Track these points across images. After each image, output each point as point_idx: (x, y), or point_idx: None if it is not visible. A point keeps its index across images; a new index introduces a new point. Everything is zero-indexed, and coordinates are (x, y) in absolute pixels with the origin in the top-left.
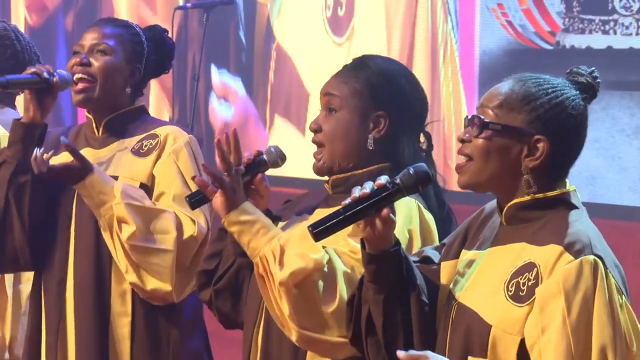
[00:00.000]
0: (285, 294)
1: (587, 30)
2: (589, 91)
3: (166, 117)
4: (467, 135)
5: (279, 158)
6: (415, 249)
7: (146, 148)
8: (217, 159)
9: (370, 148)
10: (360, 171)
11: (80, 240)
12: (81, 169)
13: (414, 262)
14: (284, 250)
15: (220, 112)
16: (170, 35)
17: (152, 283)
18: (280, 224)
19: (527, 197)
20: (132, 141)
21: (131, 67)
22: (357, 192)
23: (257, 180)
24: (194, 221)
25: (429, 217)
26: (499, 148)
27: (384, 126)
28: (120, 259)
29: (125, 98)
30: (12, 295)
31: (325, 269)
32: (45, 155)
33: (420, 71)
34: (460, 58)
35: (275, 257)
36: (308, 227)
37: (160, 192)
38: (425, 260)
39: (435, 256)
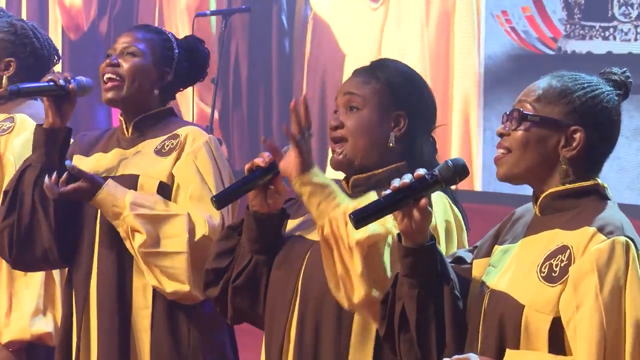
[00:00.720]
0: (360, 254)
1: (587, 36)
2: (622, 88)
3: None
4: (506, 128)
5: None
6: (452, 240)
7: (167, 148)
8: (292, 123)
9: (391, 145)
10: (379, 170)
11: (104, 237)
12: (90, 189)
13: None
14: None
15: None
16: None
17: (170, 286)
18: (292, 221)
19: (562, 187)
20: (156, 141)
21: (160, 71)
22: (397, 182)
23: (278, 179)
24: (206, 221)
25: (457, 211)
26: (537, 139)
27: (404, 125)
28: (141, 266)
29: (153, 100)
30: (60, 280)
31: (390, 240)
32: (54, 179)
33: (461, 42)
34: (465, 64)
35: (348, 221)
36: (349, 214)
37: (178, 191)
38: (458, 260)
39: (467, 257)
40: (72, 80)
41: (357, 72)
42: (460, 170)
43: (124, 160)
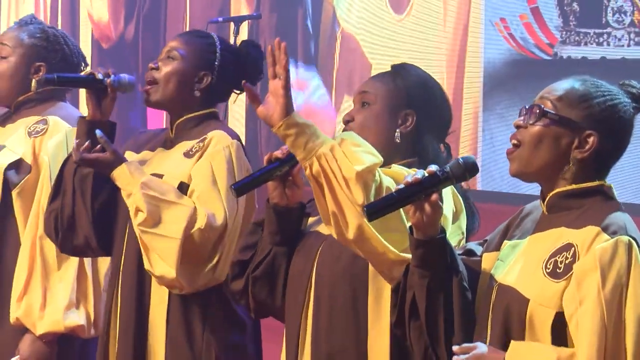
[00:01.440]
0: (362, 185)
1: (582, 42)
2: (639, 101)
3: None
4: (524, 122)
5: None
6: (461, 220)
7: (194, 150)
8: (270, 66)
9: (397, 141)
10: (390, 166)
11: (132, 232)
12: (112, 161)
13: (458, 254)
14: (349, 150)
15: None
16: None
17: (159, 268)
18: (311, 219)
19: (569, 187)
20: (190, 144)
21: (198, 73)
22: (409, 177)
23: (296, 171)
24: (207, 217)
25: (460, 198)
26: (552, 136)
27: (412, 123)
28: (141, 247)
29: (194, 102)
30: (92, 274)
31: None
32: (79, 143)
33: (473, 49)
34: (466, 67)
35: (340, 156)
36: (363, 207)
37: (192, 190)
38: (468, 252)
39: (478, 250)
40: (112, 76)
41: (378, 74)
42: (470, 168)
43: (160, 159)
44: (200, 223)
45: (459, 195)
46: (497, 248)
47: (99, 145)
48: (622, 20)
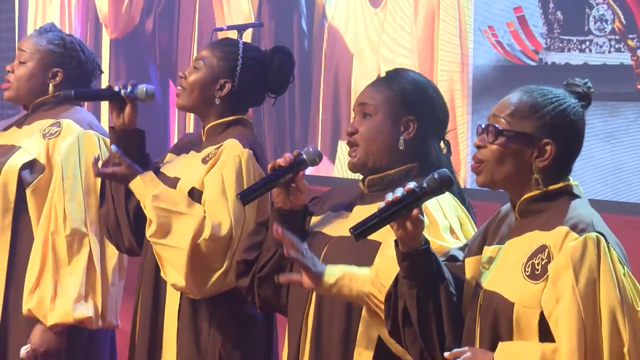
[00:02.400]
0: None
1: (566, 49)
2: (585, 99)
3: None
4: (482, 142)
5: (317, 156)
6: (466, 232)
7: (210, 157)
8: (285, 247)
9: (401, 148)
10: (392, 171)
11: None
12: (127, 174)
13: (442, 260)
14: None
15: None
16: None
17: (171, 277)
18: (315, 218)
19: (536, 191)
20: (209, 150)
21: (219, 81)
22: (390, 196)
23: (299, 177)
24: (212, 227)
25: (464, 208)
26: (513, 152)
27: (413, 129)
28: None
29: (217, 109)
30: (100, 269)
31: None
32: (96, 158)
33: (444, 54)
34: (456, 73)
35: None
36: (350, 229)
37: (204, 199)
38: (451, 258)
39: (459, 255)
40: (130, 87)
41: (374, 82)
42: (445, 181)
43: (185, 163)
44: (205, 233)
45: (459, 201)
46: (479, 252)
47: (98, 157)
48: (604, 28)
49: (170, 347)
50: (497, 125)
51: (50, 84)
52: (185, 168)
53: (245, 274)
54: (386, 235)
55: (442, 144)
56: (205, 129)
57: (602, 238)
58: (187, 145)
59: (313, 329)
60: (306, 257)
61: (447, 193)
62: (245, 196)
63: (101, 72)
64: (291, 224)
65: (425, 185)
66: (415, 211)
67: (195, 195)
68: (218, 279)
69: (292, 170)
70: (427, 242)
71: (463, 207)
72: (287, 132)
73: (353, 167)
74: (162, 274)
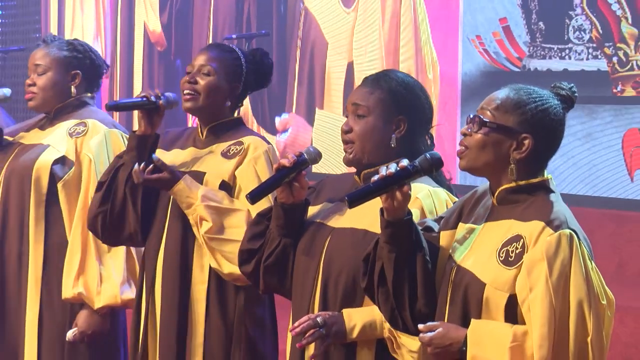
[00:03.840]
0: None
1: (547, 56)
2: (568, 102)
3: None
4: (468, 130)
5: (317, 156)
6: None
7: (232, 152)
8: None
9: (393, 146)
10: (384, 165)
11: (172, 225)
12: (170, 180)
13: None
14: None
15: None
16: None
17: (227, 268)
18: (312, 208)
19: (514, 184)
20: (224, 145)
21: (230, 85)
22: (384, 170)
23: (301, 176)
24: None
25: (440, 191)
26: (493, 142)
27: (404, 128)
28: (204, 249)
29: (225, 110)
30: (137, 255)
31: None
32: (141, 167)
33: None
34: (446, 79)
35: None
36: (345, 196)
37: (239, 191)
38: (427, 229)
39: (435, 226)
40: (162, 97)
41: (364, 82)
42: (436, 162)
43: (196, 158)
44: None
45: (439, 194)
46: (454, 227)
47: (151, 165)
48: (582, 37)
49: (198, 326)
50: (482, 117)
51: (72, 87)
52: (205, 163)
53: (248, 261)
54: None
55: (427, 139)
56: (207, 127)
57: (574, 235)
58: (176, 141)
59: (320, 310)
60: (323, 335)
61: (441, 189)
62: (254, 196)
63: (108, 66)
64: (293, 216)
65: (417, 164)
66: (405, 187)
67: (225, 187)
68: None
69: (296, 169)
70: (410, 213)
71: (438, 194)
72: (267, 104)
73: (349, 163)
74: (214, 265)
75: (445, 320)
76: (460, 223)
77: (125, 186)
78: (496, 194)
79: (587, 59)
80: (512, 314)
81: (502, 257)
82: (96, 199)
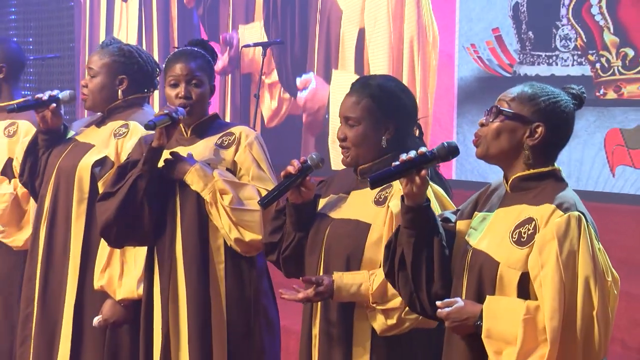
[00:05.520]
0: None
1: (536, 63)
2: (577, 99)
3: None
4: (486, 120)
5: (319, 161)
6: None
7: (226, 143)
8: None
9: (384, 146)
10: (378, 160)
11: (184, 218)
12: (186, 163)
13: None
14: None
15: None
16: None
17: (248, 236)
18: (322, 200)
19: (527, 171)
20: (213, 139)
21: (211, 86)
22: (404, 156)
23: (306, 180)
24: None
25: (437, 188)
26: (508, 129)
27: (393, 129)
28: (224, 223)
29: (206, 108)
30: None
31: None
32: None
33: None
34: (444, 83)
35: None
36: (369, 178)
37: (242, 175)
38: (445, 220)
39: (452, 217)
40: (178, 112)
41: (351, 90)
42: (453, 150)
43: (192, 154)
44: None
45: (436, 190)
46: (469, 217)
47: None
48: (568, 45)
49: (219, 301)
50: (499, 106)
51: (119, 90)
52: (204, 156)
53: (272, 252)
54: (375, 218)
55: (415, 130)
56: (192, 127)
57: (583, 217)
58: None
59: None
60: (321, 291)
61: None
62: (266, 202)
63: (160, 70)
64: (304, 212)
65: (435, 151)
66: (423, 172)
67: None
68: None
69: (301, 176)
70: (428, 200)
71: (435, 190)
72: (290, 67)
73: (347, 165)
74: (235, 235)
75: (462, 297)
76: (475, 212)
77: (143, 195)
78: (509, 181)
79: (573, 65)
80: (524, 290)
81: (514, 238)
82: (110, 208)
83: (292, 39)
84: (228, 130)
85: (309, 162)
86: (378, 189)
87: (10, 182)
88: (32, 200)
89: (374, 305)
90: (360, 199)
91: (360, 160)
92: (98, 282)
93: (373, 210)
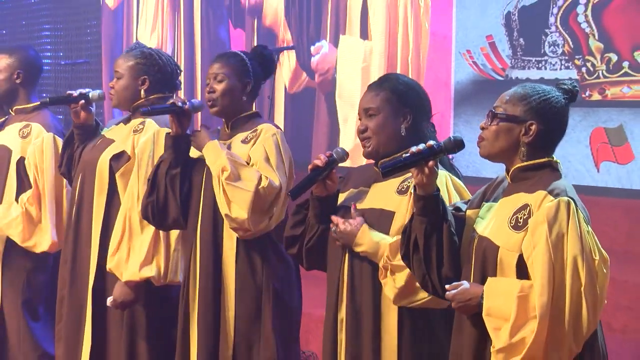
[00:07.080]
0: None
1: (526, 67)
2: (569, 93)
3: None
4: (485, 124)
5: (344, 155)
6: (461, 194)
7: (249, 139)
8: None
9: (403, 134)
10: (398, 154)
11: (205, 204)
12: (207, 137)
13: (449, 208)
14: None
15: None
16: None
17: (235, 212)
18: (342, 195)
19: (525, 163)
20: (242, 135)
21: (242, 83)
22: (414, 148)
23: (332, 173)
24: (268, 179)
25: (456, 180)
26: (505, 129)
27: (410, 118)
28: (220, 198)
29: (244, 104)
30: (164, 238)
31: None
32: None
33: (437, 71)
34: (442, 86)
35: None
36: (379, 166)
37: (252, 165)
38: (457, 209)
39: (463, 207)
40: (187, 102)
41: (369, 88)
42: (458, 143)
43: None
44: (264, 183)
45: (457, 181)
46: (478, 206)
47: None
48: (556, 51)
49: (230, 285)
50: (495, 111)
51: (141, 90)
52: (232, 150)
53: (293, 245)
54: (398, 206)
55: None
56: (231, 122)
57: (572, 202)
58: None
59: (348, 280)
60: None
61: (442, 172)
62: (294, 192)
63: (180, 70)
64: (327, 205)
65: (442, 144)
66: (431, 162)
67: None
68: (266, 220)
69: (327, 168)
70: (438, 189)
71: (456, 181)
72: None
73: (368, 155)
74: (225, 210)
75: (470, 281)
76: (483, 202)
77: (166, 179)
78: (510, 173)
79: (560, 69)
80: (523, 271)
81: (512, 223)
82: (145, 191)
83: (308, 9)
84: (255, 127)
85: (334, 155)
86: (401, 180)
87: (17, 201)
88: (46, 200)
89: (387, 259)
90: (383, 190)
91: (381, 149)
92: (108, 264)
93: (397, 199)
